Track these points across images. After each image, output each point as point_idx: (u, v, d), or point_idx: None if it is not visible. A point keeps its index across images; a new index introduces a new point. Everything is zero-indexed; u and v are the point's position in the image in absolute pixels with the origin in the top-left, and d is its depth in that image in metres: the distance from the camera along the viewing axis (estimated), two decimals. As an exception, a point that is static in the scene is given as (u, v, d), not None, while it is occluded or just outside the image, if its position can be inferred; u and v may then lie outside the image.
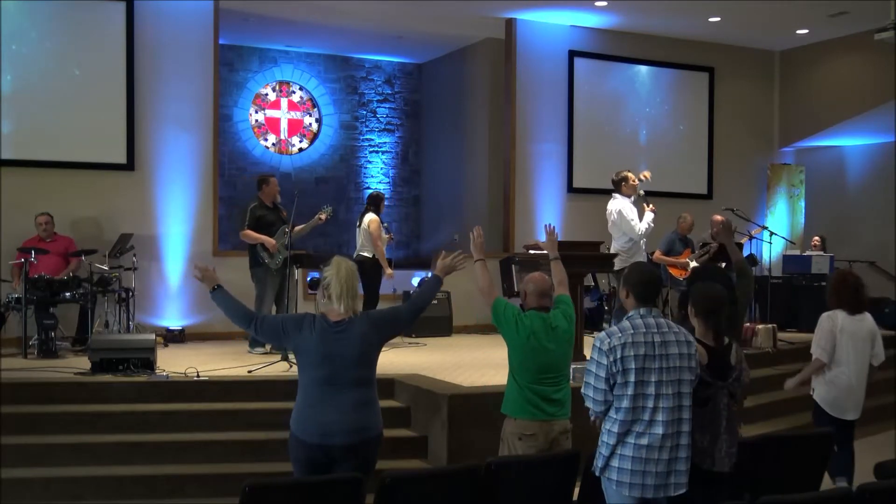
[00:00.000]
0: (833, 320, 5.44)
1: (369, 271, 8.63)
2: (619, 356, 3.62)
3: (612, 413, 3.69)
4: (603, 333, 3.73)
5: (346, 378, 3.89)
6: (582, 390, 3.79)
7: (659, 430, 3.60)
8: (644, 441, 3.61)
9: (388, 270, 8.82)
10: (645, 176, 8.49)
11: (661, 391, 3.61)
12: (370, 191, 11.07)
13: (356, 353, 3.91)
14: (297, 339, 3.96)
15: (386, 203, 14.42)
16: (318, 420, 3.88)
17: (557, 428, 4.48)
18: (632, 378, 3.61)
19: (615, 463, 3.66)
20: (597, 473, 3.74)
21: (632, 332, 3.66)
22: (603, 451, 3.72)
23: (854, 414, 5.48)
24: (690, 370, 3.69)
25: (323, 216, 7.98)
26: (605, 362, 3.64)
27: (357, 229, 8.98)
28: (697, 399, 3.88)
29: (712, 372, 3.91)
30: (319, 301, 4.13)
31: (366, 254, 8.77)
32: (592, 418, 3.84)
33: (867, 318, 5.51)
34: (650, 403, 3.61)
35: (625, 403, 3.63)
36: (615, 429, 3.66)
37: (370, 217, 8.83)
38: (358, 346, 3.91)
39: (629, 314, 3.76)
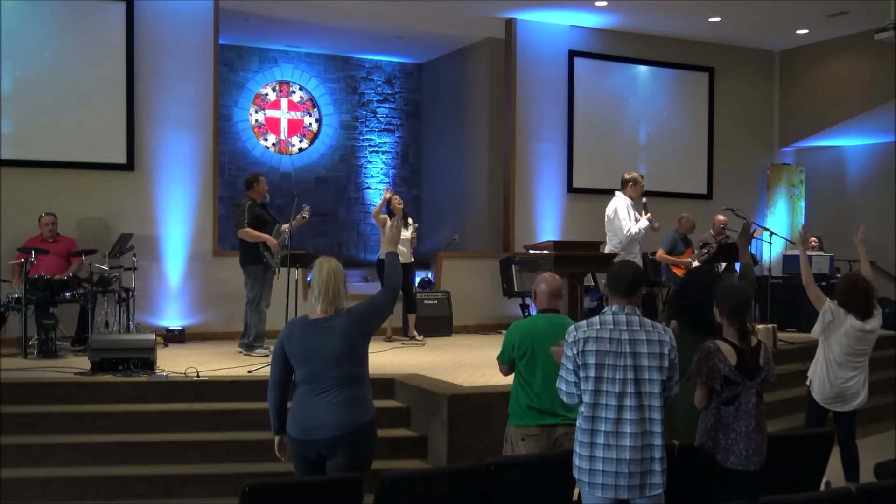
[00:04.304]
0: (840, 320, 5.42)
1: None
2: (581, 349, 3.67)
3: (580, 408, 3.72)
4: (572, 325, 3.80)
5: (331, 375, 3.92)
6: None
7: (626, 428, 3.61)
8: (612, 441, 3.60)
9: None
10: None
11: (626, 389, 3.62)
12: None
13: (339, 348, 3.92)
14: (288, 346, 4.01)
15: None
16: (303, 416, 3.95)
17: (560, 430, 4.57)
18: (592, 373, 3.64)
19: (585, 465, 3.65)
20: (574, 474, 3.73)
21: (598, 327, 3.70)
22: (577, 448, 3.73)
23: (846, 406, 5.52)
24: (660, 370, 3.67)
25: (306, 214, 8.04)
26: (571, 353, 3.71)
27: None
28: (723, 398, 3.95)
29: (741, 372, 3.94)
30: (309, 301, 4.22)
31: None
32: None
33: (875, 321, 5.48)
34: (613, 401, 3.62)
35: (586, 399, 3.67)
36: (583, 425, 3.68)
37: None
38: (341, 341, 3.93)
39: (604, 309, 3.79)
